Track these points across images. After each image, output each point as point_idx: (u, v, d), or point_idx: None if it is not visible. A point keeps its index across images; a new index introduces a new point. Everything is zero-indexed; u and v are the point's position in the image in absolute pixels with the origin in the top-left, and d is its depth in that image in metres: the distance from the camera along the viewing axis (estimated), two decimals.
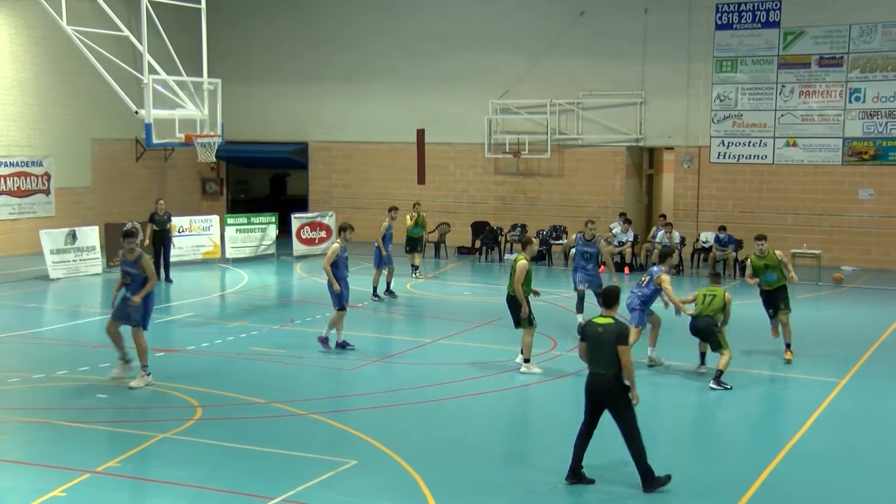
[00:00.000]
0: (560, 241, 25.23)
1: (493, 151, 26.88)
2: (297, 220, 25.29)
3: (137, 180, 28.06)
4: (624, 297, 11.26)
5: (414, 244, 21.56)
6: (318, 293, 19.87)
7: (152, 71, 18.70)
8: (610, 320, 9.06)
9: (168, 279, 20.58)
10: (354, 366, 13.72)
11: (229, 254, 24.07)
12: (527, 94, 26.53)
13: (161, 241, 20.84)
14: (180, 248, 23.52)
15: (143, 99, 18.40)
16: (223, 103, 19.76)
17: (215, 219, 24.47)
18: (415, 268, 21.52)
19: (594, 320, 9.15)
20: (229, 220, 24.49)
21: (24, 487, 9.04)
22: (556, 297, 19.72)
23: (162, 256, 20.70)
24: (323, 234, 25.73)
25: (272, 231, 24.71)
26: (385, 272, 19.11)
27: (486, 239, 25.68)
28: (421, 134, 26.07)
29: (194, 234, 24.01)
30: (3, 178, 24.45)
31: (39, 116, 25.33)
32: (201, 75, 19.52)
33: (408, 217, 21.70)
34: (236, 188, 31.69)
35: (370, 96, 28.39)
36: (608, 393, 8.95)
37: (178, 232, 23.55)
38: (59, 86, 25.62)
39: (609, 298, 9.22)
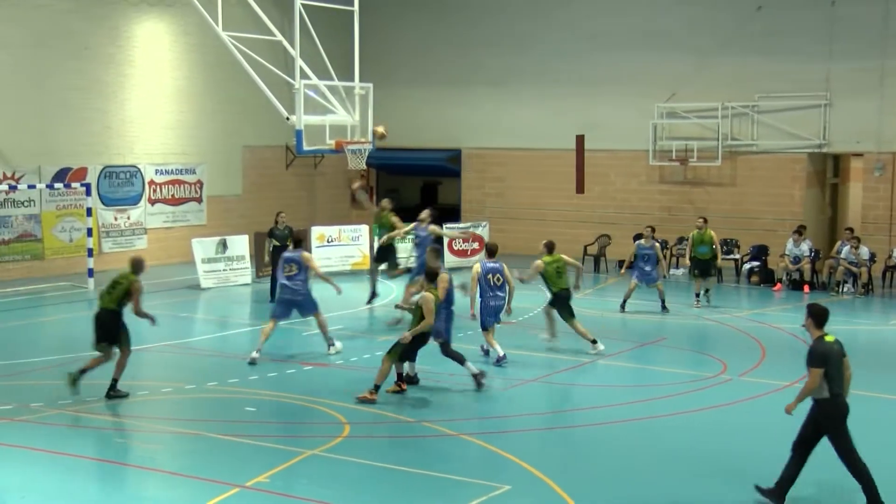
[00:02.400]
0: (731, 257, 24.49)
1: (657, 159, 26.40)
2: (450, 230, 25.49)
3: (287, 188, 28.97)
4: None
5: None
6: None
7: (304, 76, 19.28)
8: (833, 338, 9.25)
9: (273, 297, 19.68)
10: (508, 385, 13.69)
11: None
12: (696, 97, 25.94)
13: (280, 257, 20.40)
14: (328, 258, 24.12)
15: (294, 105, 19.01)
16: (374, 109, 20.19)
17: (364, 228, 24.98)
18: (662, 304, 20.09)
19: (828, 339, 9.18)
20: (379, 230, 24.90)
21: (176, 499, 9.44)
22: (725, 316, 19.16)
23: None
24: (476, 245, 25.87)
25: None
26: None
27: (664, 260, 25.11)
28: (580, 140, 25.85)
29: (343, 245, 24.58)
30: (158, 186, 25.76)
31: (194, 124, 26.56)
32: (352, 80, 20.00)
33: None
34: (387, 196, 32.19)
35: (525, 101, 28.41)
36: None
37: (328, 242, 24.19)
38: (213, 93, 26.80)
39: (821, 317, 9.30)
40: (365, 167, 21.72)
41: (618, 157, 27.27)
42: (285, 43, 20.72)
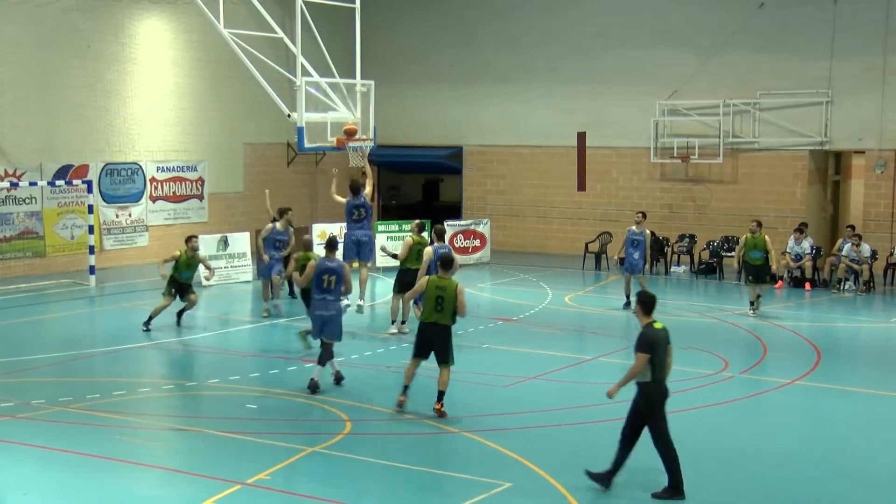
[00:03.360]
0: (732, 254, 24.49)
1: (659, 156, 26.39)
2: (450, 227, 25.50)
3: (288, 185, 28.95)
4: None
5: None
6: (471, 305, 19.94)
7: (305, 73, 19.29)
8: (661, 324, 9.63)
9: (293, 294, 19.89)
10: (509, 382, 13.71)
11: (380, 262, 24.52)
12: (697, 94, 25.91)
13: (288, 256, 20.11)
14: None
15: (295, 102, 19.02)
16: (375, 106, 20.19)
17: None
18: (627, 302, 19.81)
19: (656, 325, 9.52)
20: (380, 227, 24.93)
21: (176, 497, 9.46)
22: (726, 313, 19.15)
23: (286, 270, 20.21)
24: (477, 242, 25.89)
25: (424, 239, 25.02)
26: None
27: (651, 250, 25.12)
28: (582, 137, 25.83)
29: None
30: (160, 184, 25.76)
31: (195, 121, 26.55)
32: (354, 77, 19.99)
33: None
34: (388, 194, 32.28)
35: (527, 98, 28.39)
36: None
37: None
38: (214, 90, 26.79)
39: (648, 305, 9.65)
40: (366, 164, 21.79)
41: (620, 154, 27.25)
42: (287, 40, 20.74)
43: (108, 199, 24.53)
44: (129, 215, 25.05)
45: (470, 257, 25.64)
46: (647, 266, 19.60)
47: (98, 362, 14.96)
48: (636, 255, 19.24)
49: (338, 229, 24.58)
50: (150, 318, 16.70)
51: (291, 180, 29.15)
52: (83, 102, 23.90)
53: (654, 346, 9.41)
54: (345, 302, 15.48)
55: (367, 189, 18.12)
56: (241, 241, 22.74)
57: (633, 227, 19.57)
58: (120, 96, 24.72)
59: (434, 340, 12.05)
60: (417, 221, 17.40)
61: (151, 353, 15.76)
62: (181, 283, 16.95)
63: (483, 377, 13.93)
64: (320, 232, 24.30)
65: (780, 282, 22.50)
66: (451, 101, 29.50)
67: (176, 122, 26.12)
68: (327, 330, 13.02)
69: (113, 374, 14.05)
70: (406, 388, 12.23)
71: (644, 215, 19.95)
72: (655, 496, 9.48)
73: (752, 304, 19.05)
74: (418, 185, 33.49)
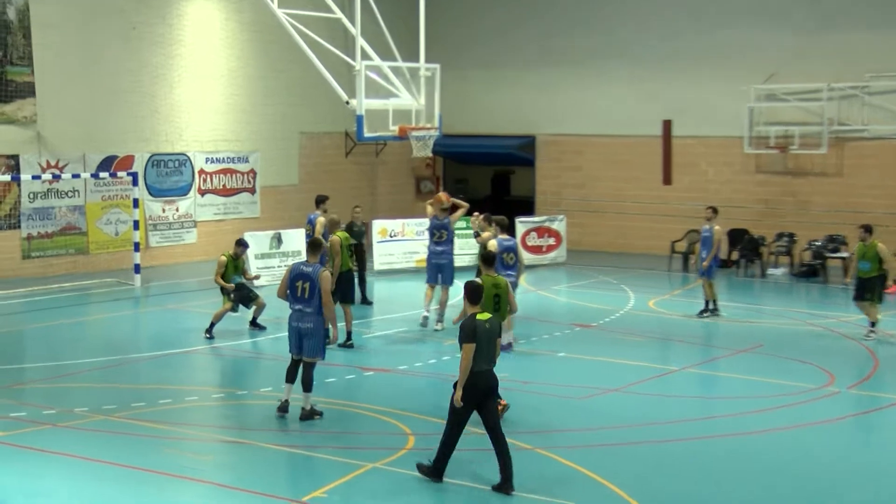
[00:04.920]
0: (838, 255, 24.04)
1: (754, 146, 26.01)
2: (522, 224, 25.45)
3: (346, 178, 29.18)
4: None
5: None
6: (545, 308, 19.92)
7: (365, 57, 19.38)
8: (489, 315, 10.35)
9: (366, 300, 20.12)
10: (586, 395, 13.64)
11: (437, 262, 24.49)
12: (797, 78, 25.49)
13: (358, 256, 20.09)
14: (390, 254, 24.25)
15: (354, 88, 19.12)
16: (441, 92, 20.21)
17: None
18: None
19: (480, 316, 10.18)
20: None
21: None
22: (832, 321, 18.81)
23: (357, 275, 19.95)
24: (552, 240, 25.79)
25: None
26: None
27: (744, 250, 24.89)
28: (667, 126, 25.65)
29: (407, 240, 24.64)
30: (209, 176, 26.14)
31: (247, 109, 26.88)
32: (418, 61, 20.04)
33: None
34: (454, 187, 32.26)
35: (607, 83, 28.21)
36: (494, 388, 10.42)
37: (390, 236, 24.31)
38: (268, 75, 27.09)
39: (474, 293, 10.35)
40: (431, 155, 21.80)
41: (709, 144, 26.93)
42: (345, 21, 20.86)
43: (155, 192, 24.96)
44: (177, 210, 25.46)
45: (544, 257, 25.56)
46: (707, 265, 18.80)
47: (143, 368, 15.22)
48: (703, 255, 18.95)
49: (400, 226, 24.74)
50: (212, 325, 16.91)
51: (349, 172, 29.36)
52: (128, 88, 24.34)
53: (475, 335, 10.03)
54: (424, 320, 15.55)
55: (457, 215, 18.13)
56: (296, 238, 22.92)
57: (705, 225, 19.18)
58: (166, 82, 25.12)
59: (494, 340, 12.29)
60: (483, 215, 17.36)
61: (200, 358, 15.97)
62: (236, 289, 17.12)
63: (557, 388, 13.88)
64: (381, 228, 24.44)
65: (894, 285, 22.01)
66: (522, 87, 29.43)
67: (226, 109, 26.46)
68: (307, 346, 12.19)
69: (159, 380, 14.28)
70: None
71: (715, 211, 19.35)
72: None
73: (872, 324, 17.43)
74: (487, 177, 33.47)
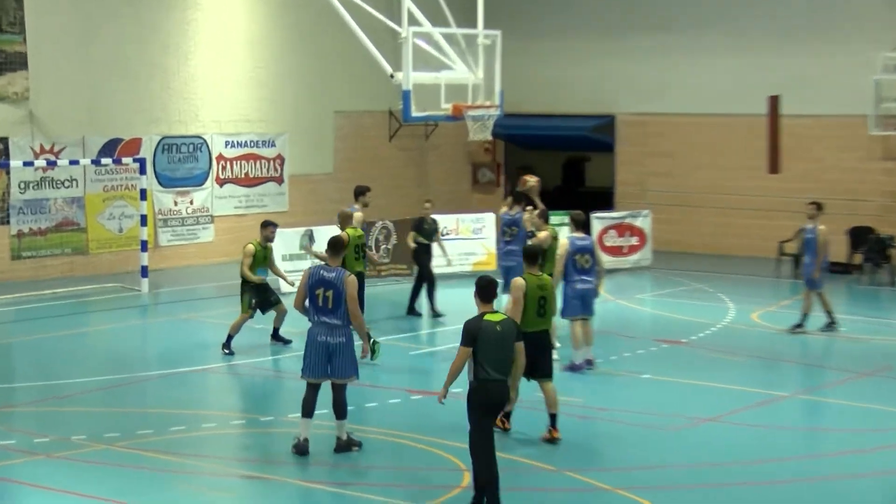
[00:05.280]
0: None
1: (882, 126, 25.71)
2: (599, 221, 25.33)
3: (390, 165, 29.23)
4: None
5: None
6: (626, 321, 19.83)
7: (413, 22, 19.40)
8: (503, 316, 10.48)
9: (435, 312, 20.05)
10: (677, 425, 13.56)
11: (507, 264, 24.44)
12: None
13: (427, 259, 20.12)
14: (443, 255, 24.20)
15: (400, 59, 19.15)
16: (502, 64, 20.17)
17: (490, 218, 24.95)
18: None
19: (489, 317, 10.31)
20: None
21: None
22: None
23: (426, 281, 20.11)
24: (634, 240, 25.63)
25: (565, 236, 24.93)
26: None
27: (870, 252, 24.58)
28: (774, 103, 25.44)
29: (462, 238, 24.61)
30: (229, 163, 26.32)
31: (274, 84, 27.04)
32: (475, 27, 20.02)
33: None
34: (518, 177, 32.17)
35: (701, 52, 28.06)
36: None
37: (443, 235, 24.26)
38: (298, 44, 27.24)
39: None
40: (490, 139, 21.75)
41: (826, 124, 26.67)
42: None
43: (165, 181, 25.19)
44: (191, 203, 25.67)
45: (625, 259, 25.42)
46: (818, 274, 18.52)
47: (152, 388, 15.35)
48: (806, 260, 18.96)
49: (454, 222, 24.70)
50: (230, 339, 17.00)
51: (394, 159, 29.42)
52: (134, 59, 24.57)
53: (475, 339, 10.15)
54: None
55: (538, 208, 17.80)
56: (333, 234, 22.90)
57: (807, 224, 19.07)
58: (180, 52, 25.33)
59: (538, 353, 12.40)
60: (538, 210, 17.24)
61: (217, 378, 16.07)
62: (258, 288, 17.18)
63: (643, 417, 13.81)
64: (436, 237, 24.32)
65: None
66: (599, 57, 29.34)
67: (250, 84, 26.63)
68: (337, 365, 12.07)
69: (170, 404, 14.37)
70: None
71: (819, 207, 19.13)
72: None
73: None
74: (557, 165, 33.39)
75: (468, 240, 24.63)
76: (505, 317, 10.45)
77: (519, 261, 17.53)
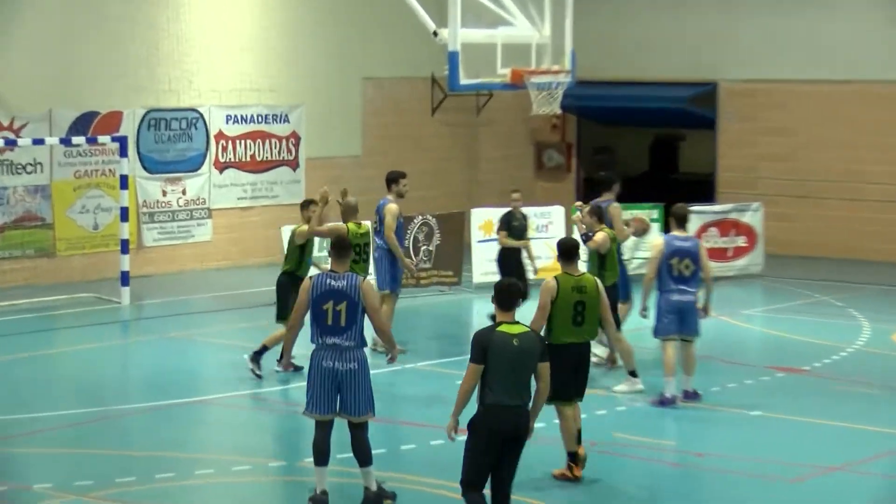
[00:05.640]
0: None
1: None
2: (697, 216, 25.16)
3: (433, 145, 29.19)
4: None
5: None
6: (731, 344, 19.77)
7: None
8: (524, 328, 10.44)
9: None
10: (796, 476, 13.50)
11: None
12: None
13: (515, 265, 20.10)
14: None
15: (446, 13, 19.14)
16: (575, 19, 20.11)
17: (558, 213, 24.88)
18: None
19: (505, 328, 10.30)
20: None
21: None
22: None
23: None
24: (741, 240, 25.43)
25: (654, 234, 24.73)
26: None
27: None
28: None
29: None
30: (231, 143, 26.37)
31: (286, 45, 27.11)
32: None
33: None
34: (594, 160, 32.13)
35: (825, 3, 27.91)
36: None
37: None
38: None
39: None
40: (559, 112, 21.68)
41: None
42: None
43: (151, 166, 25.27)
44: (183, 193, 25.74)
45: (730, 265, 25.28)
46: None
47: (134, 425, 15.40)
48: None
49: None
50: (262, 352, 16.97)
51: (437, 137, 29.41)
52: (115, 15, 24.67)
53: (485, 354, 10.20)
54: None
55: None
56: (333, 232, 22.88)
57: None
58: (170, 5, 25.44)
59: (571, 373, 12.59)
60: (590, 204, 17.18)
61: (215, 412, 16.11)
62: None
63: (753, 465, 13.74)
64: (485, 221, 24.33)
65: None
66: (697, 11, 29.32)
67: (256, 45, 26.71)
68: (349, 399, 11.94)
69: (157, 445, 14.40)
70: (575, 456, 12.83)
71: None
72: None
73: None
74: (643, 146, 33.35)
75: (533, 239, 24.45)
76: (526, 329, 10.45)
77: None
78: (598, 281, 13.18)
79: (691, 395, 15.87)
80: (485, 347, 10.18)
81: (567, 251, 12.91)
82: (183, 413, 15.85)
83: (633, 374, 16.50)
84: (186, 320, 21.20)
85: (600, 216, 16.92)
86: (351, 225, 16.94)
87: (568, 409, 12.81)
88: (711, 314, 16.59)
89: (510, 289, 10.52)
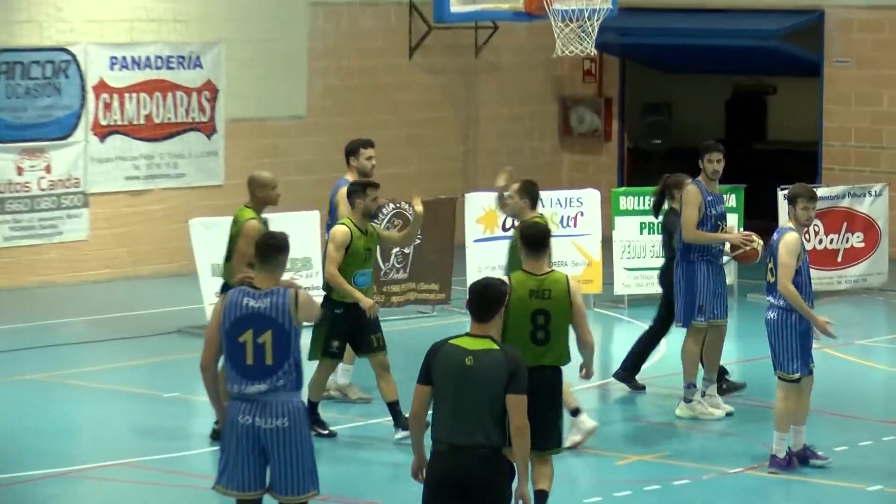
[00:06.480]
0: None
1: None
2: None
3: (411, 101, 29.27)
4: None
5: None
6: (845, 389, 20.03)
7: None
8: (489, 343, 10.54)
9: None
10: None
11: (623, 286, 24.38)
12: None
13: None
14: (499, 264, 24.25)
15: None
16: None
17: (593, 197, 24.97)
18: None
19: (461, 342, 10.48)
20: (624, 203, 24.85)
21: None
22: None
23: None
24: (857, 238, 25.49)
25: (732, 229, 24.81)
26: None
27: None
28: None
29: None
30: (117, 96, 26.38)
31: None
32: None
33: None
34: (645, 123, 32.22)
35: None
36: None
37: (502, 228, 24.29)
38: None
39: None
40: (594, 53, 21.76)
41: None
42: None
43: (5, 131, 25.28)
44: (47, 170, 25.78)
45: (840, 274, 25.38)
46: None
47: None
48: None
49: None
50: (314, 408, 17.02)
51: (418, 89, 29.53)
52: None
53: (429, 372, 10.43)
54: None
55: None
56: (306, 228, 22.96)
57: None
58: None
59: (534, 408, 11.81)
60: (521, 183, 17.02)
61: (91, 489, 16.08)
62: (350, 311, 17.06)
63: None
64: (484, 212, 24.41)
65: None
66: None
67: None
68: (280, 470, 11.79)
69: None
70: None
71: None
72: None
73: None
74: (716, 102, 33.56)
75: (556, 237, 24.49)
76: (494, 347, 10.41)
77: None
78: (573, 282, 12.89)
79: (808, 458, 15.96)
80: (428, 363, 10.30)
81: (532, 239, 12.84)
82: (51, 489, 15.80)
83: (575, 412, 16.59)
84: (52, 355, 21.18)
85: (530, 195, 16.48)
86: (354, 224, 16.85)
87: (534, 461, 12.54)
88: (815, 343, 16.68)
89: (486, 292, 10.54)
